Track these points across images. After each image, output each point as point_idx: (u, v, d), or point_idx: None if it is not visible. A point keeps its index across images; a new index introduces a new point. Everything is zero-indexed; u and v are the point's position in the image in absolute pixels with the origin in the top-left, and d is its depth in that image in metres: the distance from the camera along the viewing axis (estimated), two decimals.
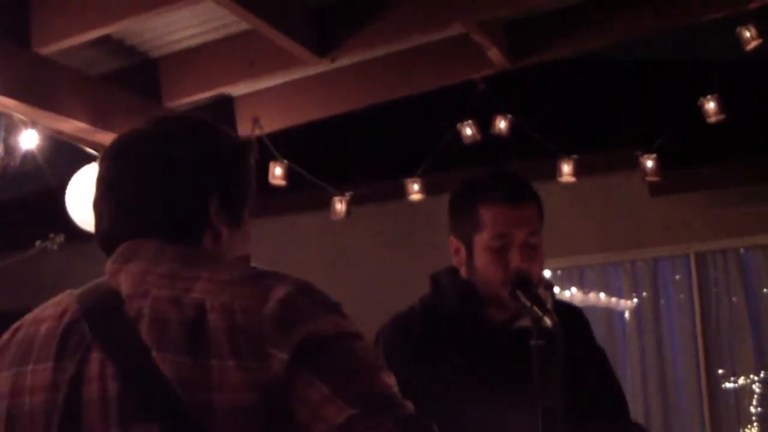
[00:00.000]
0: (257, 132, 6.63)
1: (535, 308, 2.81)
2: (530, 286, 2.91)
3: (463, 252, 3.08)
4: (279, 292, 1.82)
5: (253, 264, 2.01)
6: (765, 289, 8.88)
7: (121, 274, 1.93)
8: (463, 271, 3.10)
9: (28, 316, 2.03)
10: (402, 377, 3.01)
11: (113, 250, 2.00)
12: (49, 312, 1.99)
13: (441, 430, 2.97)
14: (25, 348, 1.95)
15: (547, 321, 2.76)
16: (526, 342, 2.77)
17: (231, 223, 2.05)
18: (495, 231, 3.00)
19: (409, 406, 1.84)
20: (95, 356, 1.86)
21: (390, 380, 1.85)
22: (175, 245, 1.95)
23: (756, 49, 5.95)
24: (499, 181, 3.10)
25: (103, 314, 1.89)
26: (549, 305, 2.89)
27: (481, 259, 3.03)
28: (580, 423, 3.02)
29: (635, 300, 9.15)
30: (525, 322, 2.88)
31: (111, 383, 1.82)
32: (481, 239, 3.02)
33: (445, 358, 3.03)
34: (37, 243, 6.04)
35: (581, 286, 9.23)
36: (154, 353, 1.79)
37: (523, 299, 2.87)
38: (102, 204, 2.04)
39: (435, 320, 3.10)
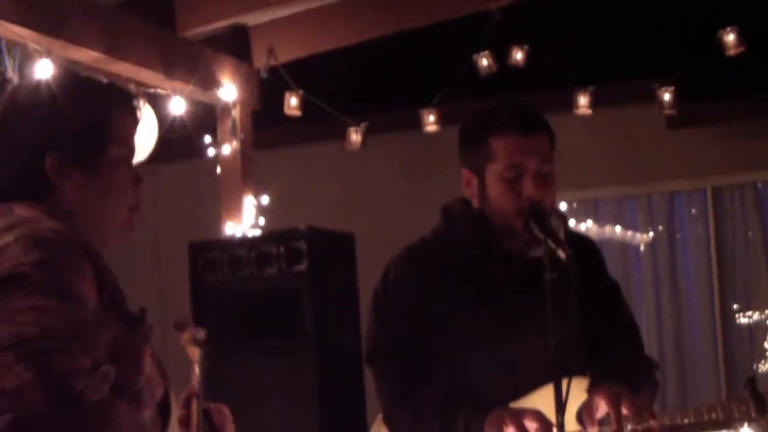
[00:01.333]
0: (272, 62, 6.60)
1: (549, 241, 2.81)
2: (544, 218, 2.91)
3: (475, 183, 3.08)
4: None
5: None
6: None
7: None
8: (475, 203, 3.10)
9: None
10: (412, 310, 3.06)
11: None
12: None
13: (453, 361, 3.00)
14: None
15: (561, 254, 2.76)
16: (540, 272, 2.77)
17: (79, 175, 2.17)
18: (507, 161, 3.00)
19: (47, 345, 1.84)
20: None
21: (44, 316, 1.87)
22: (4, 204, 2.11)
23: None
24: (510, 112, 3.10)
25: None
26: (561, 236, 2.89)
27: (494, 189, 3.03)
28: (592, 355, 3.03)
29: (651, 234, 9.12)
30: (539, 252, 2.88)
31: None
32: (494, 170, 3.02)
33: (456, 290, 3.06)
34: None
35: (596, 219, 9.21)
36: None
37: (537, 232, 2.88)
38: None
39: (446, 252, 3.12)
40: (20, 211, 2.07)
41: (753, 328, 8.84)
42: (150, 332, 2.16)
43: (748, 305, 8.87)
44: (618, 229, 9.17)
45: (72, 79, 2.34)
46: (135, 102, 2.35)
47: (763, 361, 8.75)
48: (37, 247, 1.94)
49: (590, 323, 3.00)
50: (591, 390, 2.92)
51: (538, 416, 2.79)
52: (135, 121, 2.31)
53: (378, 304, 3.16)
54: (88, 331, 1.92)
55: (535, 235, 2.89)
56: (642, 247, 9.16)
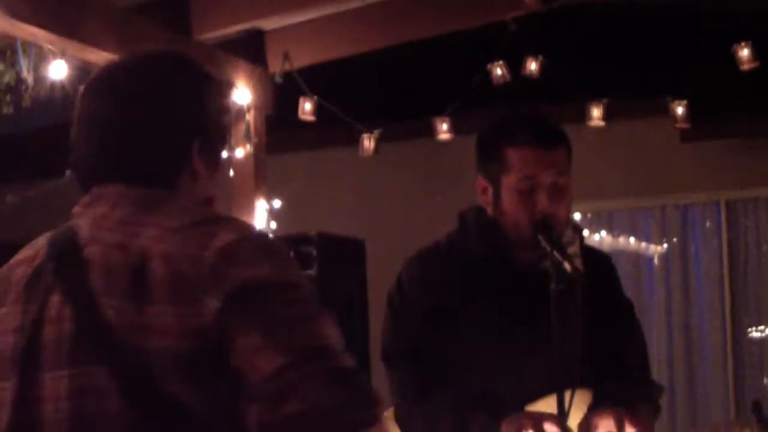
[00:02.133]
0: (287, 67, 6.62)
1: (556, 253, 2.81)
2: (552, 230, 2.91)
3: (490, 192, 3.08)
4: (219, 240, 1.84)
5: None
6: None
7: (82, 218, 1.97)
8: (489, 211, 3.10)
9: (12, 260, 2.06)
10: (422, 314, 3.06)
11: (88, 190, 2.02)
12: (24, 254, 2.04)
13: (458, 369, 3.00)
14: (1, 291, 2.00)
15: (567, 266, 2.76)
16: (548, 284, 2.77)
17: (209, 166, 2.06)
18: (522, 173, 2.99)
19: (345, 358, 1.83)
20: (55, 299, 1.90)
21: (328, 330, 1.84)
22: (138, 189, 1.96)
23: None
24: (527, 123, 3.09)
25: (63, 258, 1.93)
26: (575, 249, 2.90)
27: (508, 200, 3.02)
28: (598, 371, 3.03)
29: (665, 245, 9.13)
30: (548, 264, 2.88)
31: (67, 325, 1.87)
32: (509, 181, 3.02)
33: (465, 297, 3.06)
34: (67, 172, 6.08)
35: (610, 231, 9.21)
36: (100, 298, 1.83)
37: (544, 244, 2.87)
38: (80, 143, 2.04)
39: (458, 258, 3.12)
40: (182, 203, 1.97)
41: (764, 343, 8.84)
42: None
43: (759, 319, 8.86)
44: (632, 240, 9.17)
45: (202, 67, 2.15)
46: None
47: None
48: (276, 253, 1.88)
49: (597, 338, 3.00)
50: (592, 410, 2.91)
51: (559, 421, 2.78)
52: None
53: (392, 306, 3.15)
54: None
55: (543, 247, 2.88)
56: (655, 259, 9.16)
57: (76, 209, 2.00)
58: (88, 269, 1.87)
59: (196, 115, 2.03)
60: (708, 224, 9.07)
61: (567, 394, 2.75)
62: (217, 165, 2.08)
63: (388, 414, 3.21)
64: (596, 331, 2.97)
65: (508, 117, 3.17)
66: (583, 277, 2.77)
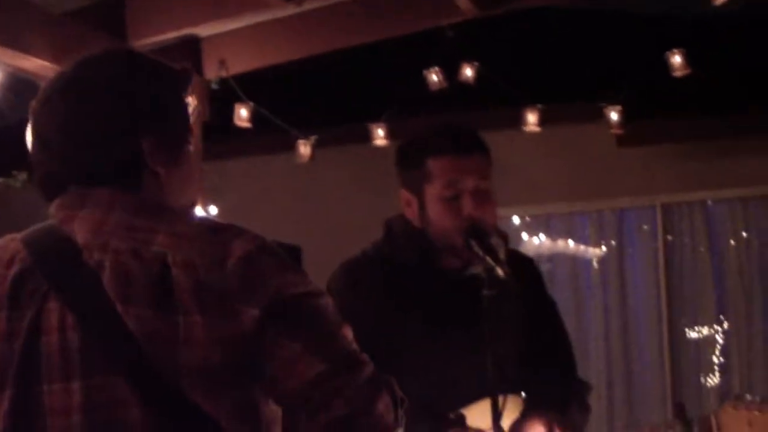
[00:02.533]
0: (223, 73, 6.59)
1: (488, 258, 2.83)
2: (484, 236, 2.92)
3: (415, 205, 3.10)
4: (238, 249, 1.83)
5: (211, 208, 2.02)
6: (732, 241, 8.94)
7: (75, 222, 1.89)
8: (415, 223, 3.11)
9: None
10: (353, 324, 3.04)
11: (53, 196, 1.96)
12: None
13: (392, 375, 3.00)
14: None
15: (499, 271, 2.78)
16: (478, 289, 2.79)
17: (169, 163, 1.98)
18: (445, 180, 3.02)
19: (370, 361, 1.90)
20: (53, 306, 1.83)
21: (351, 335, 1.91)
22: (125, 194, 1.91)
23: (725, 4, 5.92)
24: (445, 133, 3.12)
25: (60, 263, 1.86)
26: (502, 255, 2.91)
27: (434, 209, 3.04)
28: (531, 372, 3.06)
29: (602, 249, 9.19)
30: (478, 269, 2.90)
31: (72, 334, 1.81)
32: (432, 190, 3.04)
33: (396, 305, 3.06)
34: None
35: (548, 234, 9.26)
36: (118, 306, 1.78)
37: (477, 249, 2.89)
38: (36, 154, 1.98)
39: (385, 267, 3.13)
40: (178, 209, 1.95)
41: (700, 343, 8.92)
42: None
43: (696, 321, 8.95)
44: (570, 243, 9.23)
45: (152, 60, 2.10)
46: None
47: (710, 376, 8.83)
48: (290, 263, 1.89)
49: (529, 340, 3.03)
50: (525, 415, 2.94)
51: None
52: None
53: None
54: None
55: (475, 252, 2.90)
56: (593, 263, 9.22)
57: (59, 213, 1.92)
58: (100, 276, 1.80)
59: (145, 113, 1.96)
60: (644, 228, 9.15)
61: (500, 399, 2.77)
62: (178, 160, 2.00)
63: None
64: (528, 332, 3.00)
65: (424, 129, 3.19)
66: (515, 281, 2.79)
